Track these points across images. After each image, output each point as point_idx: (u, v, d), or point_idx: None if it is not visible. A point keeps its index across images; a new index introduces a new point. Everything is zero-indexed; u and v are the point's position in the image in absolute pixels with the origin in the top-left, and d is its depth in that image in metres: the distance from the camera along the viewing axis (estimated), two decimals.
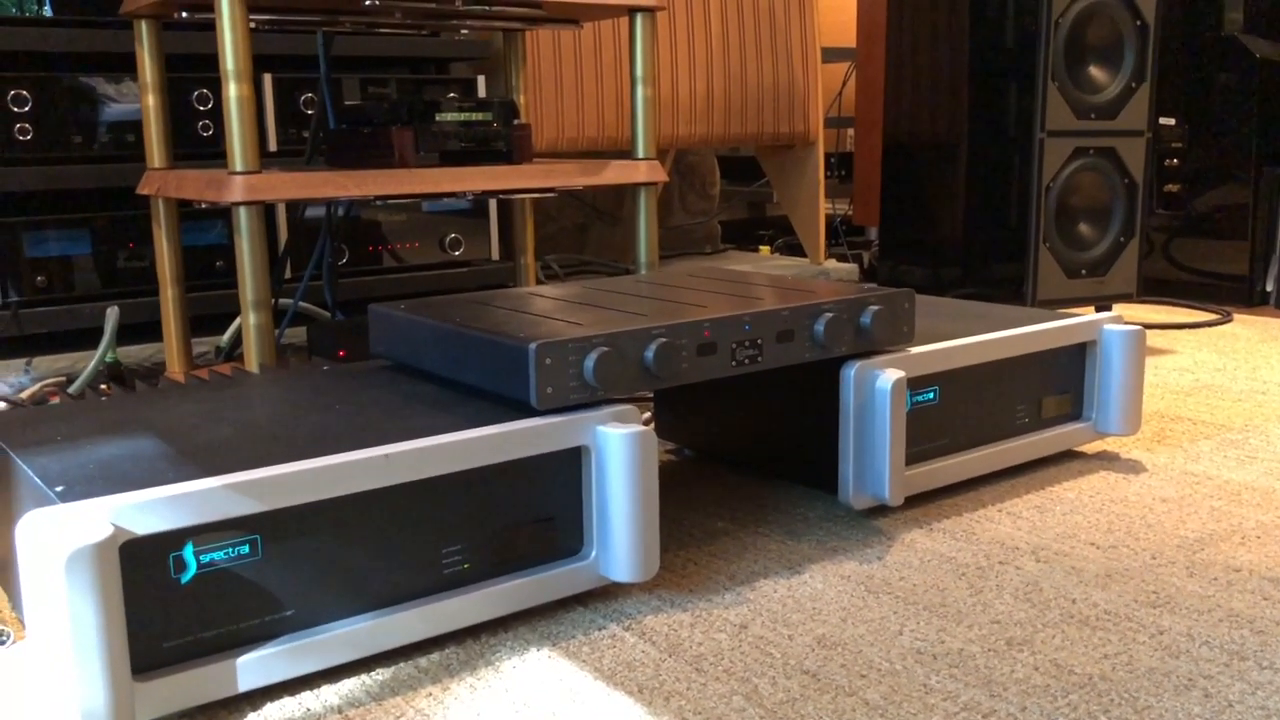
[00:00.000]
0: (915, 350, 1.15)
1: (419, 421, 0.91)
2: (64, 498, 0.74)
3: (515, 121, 1.43)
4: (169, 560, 0.76)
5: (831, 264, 2.69)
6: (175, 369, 1.55)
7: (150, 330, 1.78)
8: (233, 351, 1.72)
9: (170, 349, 1.55)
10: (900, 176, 2.10)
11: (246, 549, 0.79)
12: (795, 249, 2.88)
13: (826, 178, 2.62)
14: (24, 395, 1.64)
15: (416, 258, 2.04)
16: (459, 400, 0.98)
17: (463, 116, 1.39)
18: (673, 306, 1.06)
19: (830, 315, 1.06)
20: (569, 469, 0.93)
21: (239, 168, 1.23)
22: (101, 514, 0.72)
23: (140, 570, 0.75)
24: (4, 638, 0.90)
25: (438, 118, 1.37)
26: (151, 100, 1.46)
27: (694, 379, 1.00)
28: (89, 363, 1.69)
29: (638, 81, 1.52)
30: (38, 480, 0.79)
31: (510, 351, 0.92)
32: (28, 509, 0.82)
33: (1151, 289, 2.50)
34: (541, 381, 0.90)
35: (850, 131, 3.18)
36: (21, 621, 0.93)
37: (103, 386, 1.71)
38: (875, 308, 1.10)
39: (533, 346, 0.90)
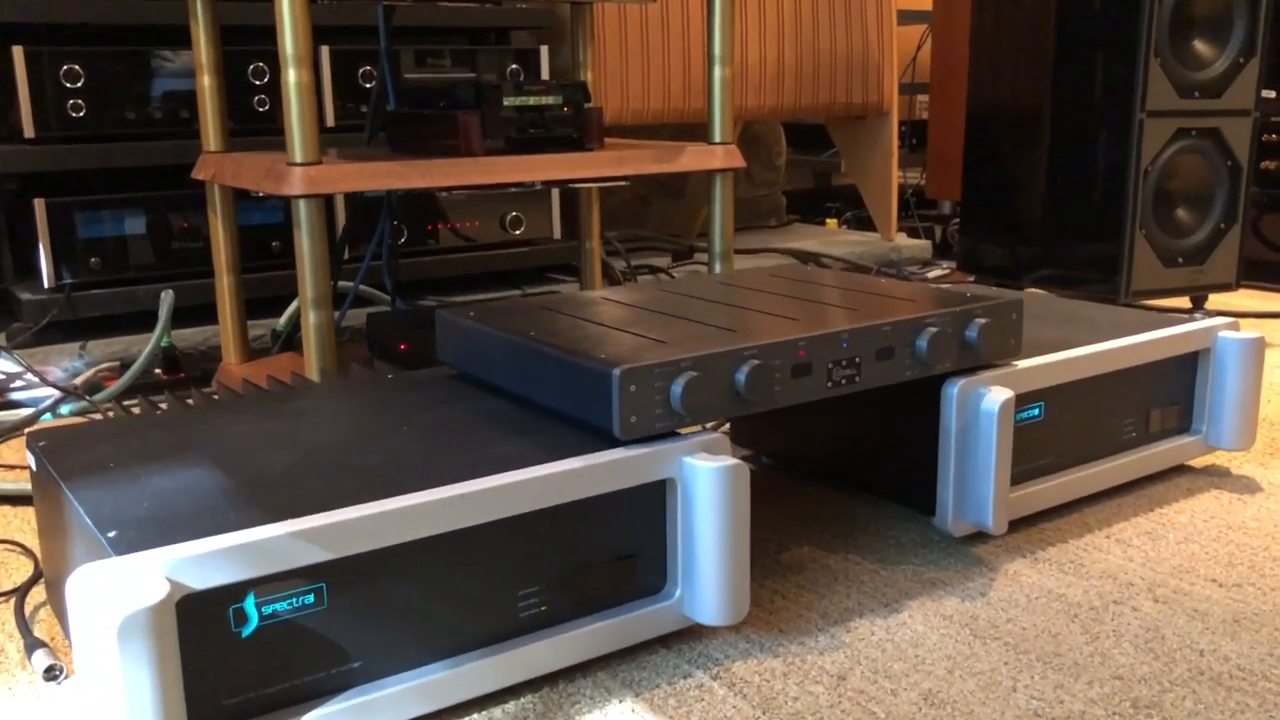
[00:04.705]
0: (1022, 364, 1.06)
1: (493, 450, 0.85)
2: (117, 546, 0.69)
3: (586, 105, 1.35)
4: (229, 613, 0.70)
5: (902, 240, 2.59)
6: (231, 359, 1.50)
7: (205, 312, 1.73)
8: (291, 337, 1.67)
9: (226, 338, 1.50)
10: (983, 151, 1.99)
11: (311, 598, 0.73)
12: (864, 222, 2.78)
13: (898, 148, 2.52)
14: (78, 381, 1.60)
15: (476, 237, 1.98)
16: (532, 423, 0.91)
17: (532, 101, 1.31)
18: (760, 319, 0.98)
19: (934, 330, 0.98)
20: (653, 502, 0.87)
21: (298, 159, 1.16)
22: (157, 568, 0.66)
23: (198, 624, 0.69)
24: (57, 672, 0.86)
25: (506, 102, 1.29)
26: (207, 80, 1.40)
27: (787, 403, 0.92)
28: (143, 346, 1.65)
29: (715, 61, 1.43)
30: (89, 521, 0.73)
31: (592, 376, 0.85)
32: (78, 550, 0.77)
33: (1245, 272, 2.37)
34: (625, 410, 0.83)
35: (924, 98, 3.05)
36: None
37: (157, 371, 1.67)
38: (982, 321, 1.01)
39: (617, 372, 0.83)
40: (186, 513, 0.74)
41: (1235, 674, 0.85)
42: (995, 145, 1.96)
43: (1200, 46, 1.71)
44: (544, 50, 1.98)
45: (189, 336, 1.73)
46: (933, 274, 2.43)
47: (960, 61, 2.49)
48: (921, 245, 2.55)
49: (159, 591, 0.65)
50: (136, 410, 1.53)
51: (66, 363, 1.64)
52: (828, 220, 2.85)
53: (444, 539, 0.77)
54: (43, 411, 1.52)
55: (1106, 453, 1.17)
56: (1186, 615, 0.94)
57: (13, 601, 0.98)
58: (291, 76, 1.14)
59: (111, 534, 0.71)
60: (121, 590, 0.64)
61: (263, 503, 0.75)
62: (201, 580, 0.68)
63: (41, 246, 1.64)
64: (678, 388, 0.85)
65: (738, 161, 1.44)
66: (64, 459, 0.85)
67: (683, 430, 0.87)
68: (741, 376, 0.88)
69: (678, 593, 0.88)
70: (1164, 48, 1.66)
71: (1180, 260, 1.77)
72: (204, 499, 0.76)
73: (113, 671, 0.64)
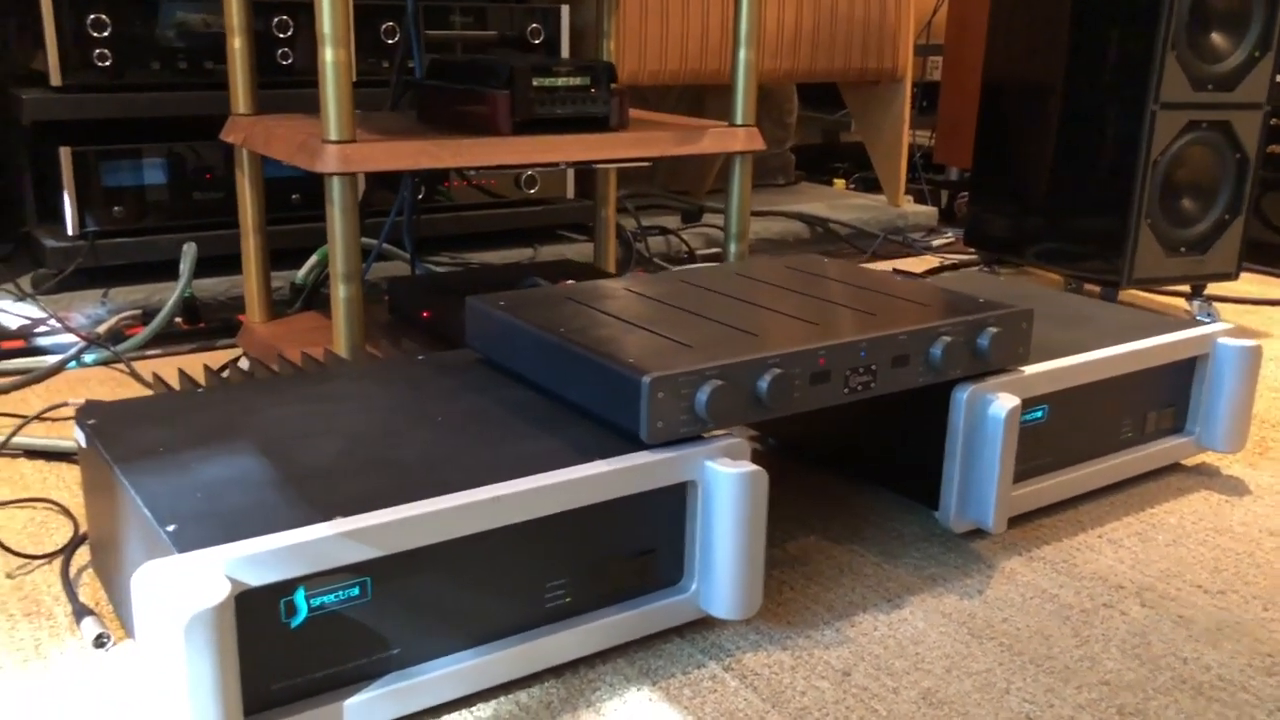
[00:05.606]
0: (1029, 370, 1.10)
1: (525, 447, 0.89)
2: (177, 541, 0.73)
3: (613, 85, 1.37)
4: (280, 605, 0.75)
5: (909, 205, 2.61)
6: (255, 317, 1.53)
7: (226, 262, 1.76)
8: (314, 292, 1.70)
9: (250, 296, 1.53)
10: (996, 125, 2.01)
11: (356, 591, 0.78)
12: (871, 184, 2.81)
13: (909, 113, 2.53)
14: (101, 330, 1.64)
15: (492, 195, 2.00)
16: (560, 417, 0.96)
17: (560, 81, 1.33)
18: (779, 320, 1.02)
19: (948, 339, 1.02)
20: (674, 501, 0.91)
21: (333, 136, 1.18)
22: (218, 567, 0.71)
23: (252, 615, 0.74)
24: (105, 639, 0.90)
25: (535, 82, 1.31)
26: (238, 42, 1.41)
27: (805, 408, 0.96)
28: (165, 295, 1.68)
29: (740, 43, 1.45)
30: (147, 512, 0.77)
31: (622, 381, 0.89)
32: (134, 536, 0.81)
33: (1245, 254, 2.41)
34: (653, 415, 0.88)
35: (937, 59, 3.05)
36: (121, 620, 0.93)
37: (177, 320, 1.70)
38: (993, 329, 1.05)
39: (647, 380, 0.87)
40: (239, 507, 0.78)
41: (1216, 684, 0.90)
42: (1008, 120, 1.98)
43: (1217, 39, 1.73)
44: (565, 10, 1.99)
45: (209, 287, 1.76)
46: (937, 242, 2.46)
47: (976, 28, 2.50)
48: (928, 212, 2.57)
49: (221, 591, 0.69)
50: (155, 359, 1.57)
51: (90, 310, 1.68)
52: (836, 181, 2.87)
53: (480, 536, 0.82)
54: (68, 359, 1.55)
55: (1104, 452, 1.22)
56: (1172, 621, 0.99)
57: (57, 564, 1.03)
58: (329, 55, 1.16)
59: (171, 528, 0.75)
60: (186, 588, 0.69)
61: (311, 499, 0.80)
62: (258, 578, 0.72)
63: (66, 194, 1.66)
64: (703, 395, 0.89)
65: (759, 144, 1.47)
66: (114, 440, 0.89)
67: (704, 434, 0.92)
68: (764, 385, 0.92)
69: (694, 586, 0.93)
70: (1180, 40, 1.68)
71: (1183, 250, 1.80)
72: (254, 492, 0.81)
73: (178, 664, 0.69)
